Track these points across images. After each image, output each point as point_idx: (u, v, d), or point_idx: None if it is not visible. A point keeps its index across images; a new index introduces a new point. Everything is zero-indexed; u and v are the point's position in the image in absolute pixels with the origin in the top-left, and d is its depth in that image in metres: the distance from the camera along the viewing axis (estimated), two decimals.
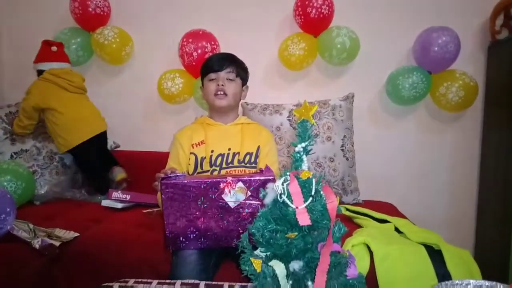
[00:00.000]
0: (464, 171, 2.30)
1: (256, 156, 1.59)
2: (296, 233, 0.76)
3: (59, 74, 2.15)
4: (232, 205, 1.20)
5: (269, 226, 0.79)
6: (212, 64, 1.59)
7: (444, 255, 1.37)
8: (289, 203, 0.76)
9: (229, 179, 1.19)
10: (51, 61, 2.18)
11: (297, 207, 0.76)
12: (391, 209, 2.03)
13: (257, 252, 0.82)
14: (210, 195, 1.20)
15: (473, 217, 2.31)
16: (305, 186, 0.78)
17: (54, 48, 2.19)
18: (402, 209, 2.06)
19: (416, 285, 1.32)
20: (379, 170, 2.34)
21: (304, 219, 0.73)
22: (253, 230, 0.80)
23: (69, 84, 2.16)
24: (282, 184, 0.78)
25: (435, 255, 1.39)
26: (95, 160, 2.22)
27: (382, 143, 2.35)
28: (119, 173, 2.22)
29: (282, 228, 0.78)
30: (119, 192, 2.00)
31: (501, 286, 0.90)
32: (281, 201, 0.78)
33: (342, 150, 2.10)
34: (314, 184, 0.78)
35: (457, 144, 2.29)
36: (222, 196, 1.19)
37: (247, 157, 1.58)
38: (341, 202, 2.07)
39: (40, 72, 2.18)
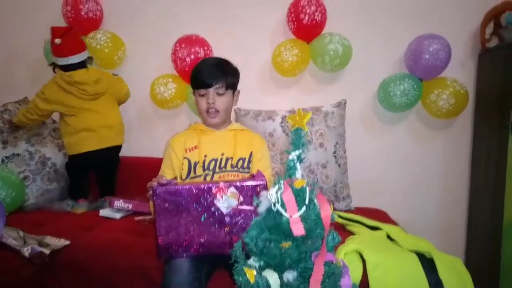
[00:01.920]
0: (455, 178, 2.32)
1: (249, 162, 1.59)
2: (290, 243, 0.76)
3: (71, 82, 2.05)
4: (224, 210, 1.19)
5: (263, 235, 0.79)
6: (200, 79, 1.55)
7: (436, 264, 1.38)
8: (283, 212, 0.76)
9: (221, 184, 1.19)
10: (57, 56, 2.06)
11: (291, 216, 0.75)
12: (383, 216, 2.03)
13: (250, 261, 0.81)
14: (202, 201, 1.19)
15: (463, 224, 2.33)
16: (299, 194, 0.78)
17: (57, 41, 2.01)
18: (394, 215, 2.07)
19: None
20: (371, 177, 2.35)
21: (298, 229, 0.73)
22: (246, 239, 0.80)
23: (81, 93, 2.08)
24: (276, 193, 0.78)
25: (427, 263, 1.40)
26: (86, 172, 2.19)
27: (374, 149, 2.36)
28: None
29: (276, 237, 0.78)
30: (121, 201, 1.95)
31: None
32: (275, 210, 0.78)
33: (335, 156, 2.10)
34: (308, 193, 0.78)
35: (448, 151, 2.31)
36: (214, 201, 1.19)
37: (240, 162, 1.58)
38: (333, 209, 2.07)
39: (53, 64, 2.10)
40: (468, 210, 2.31)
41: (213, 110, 1.55)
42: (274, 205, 0.77)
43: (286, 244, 0.76)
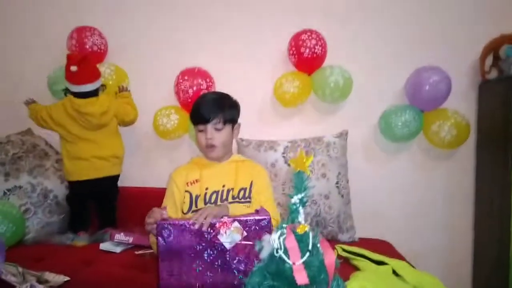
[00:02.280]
0: (459, 208, 2.30)
1: (250, 191, 1.59)
2: None
3: (79, 110, 2.07)
4: (227, 246, 1.18)
5: (265, 282, 0.77)
6: (198, 115, 1.57)
7: None
8: (285, 258, 0.75)
9: (225, 218, 1.18)
10: (71, 83, 2.08)
11: (294, 263, 0.74)
12: (387, 248, 2.00)
13: None
14: (206, 236, 1.18)
15: (469, 254, 2.29)
16: (302, 240, 0.77)
17: (73, 69, 2.03)
18: (398, 246, 2.04)
19: None
20: (374, 207, 2.33)
21: (301, 278, 0.71)
22: (248, 286, 0.78)
23: (86, 124, 2.11)
24: (279, 238, 0.77)
25: None
26: (85, 202, 2.19)
27: (377, 179, 2.35)
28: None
29: (278, 284, 0.77)
30: (122, 234, 1.94)
31: None
32: (277, 256, 0.76)
33: (337, 187, 2.09)
34: (311, 238, 0.77)
35: (451, 181, 2.30)
36: (218, 236, 1.18)
37: (241, 193, 1.57)
38: (336, 241, 2.04)
39: (65, 89, 2.12)
40: (474, 239, 2.27)
41: (211, 145, 1.56)
42: (277, 251, 0.76)
43: None
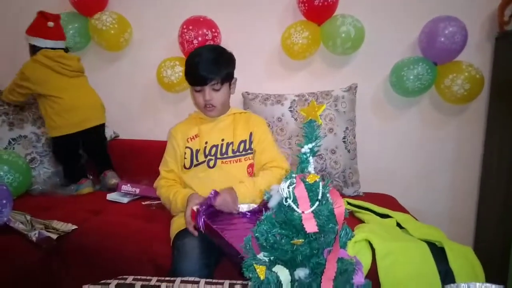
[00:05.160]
0: (467, 165, 2.27)
1: (250, 143, 1.62)
2: (302, 240, 0.73)
3: (54, 58, 2.05)
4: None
5: (274, 230, 0.77)
6: (195, 77, 1.54)
7: (447, 253, 1.36)
8: (295, 207, 0.73)
9: None
10: (47, 39, 2.07)
11: (303, 212, 0.73)
12: (392, 202, 2.01)
13: (260, 256, 0.79)
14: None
15: (473, 212, 2.29)
16: (311, 189, 0.75)
17: (50, 24, 2.06)
18: (403, 202, 2.04)
19: (418, 282, 1.31)
20: (380, 163, 2.31)
21: (311, 226, 0.70)
22: (256, 234, 0.78)
23: (65, 69, 2.08)
24: (288, 188, 0.75)
25: (438, 252, 1.38)
26: (74, 152, 2.15)
27: (385, 135, 2.31)
28: (112, 179, 2.13)
29: (287, 232, 0.76)
30: (129, 185, 1.95)
31: None
32: (286, 205, 0.75)
33: (344, 142, 2.07)
34: (321, 188, 0.75)
35: (460, 137, 2.26)
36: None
37: (242, 145, 1.60)
38: (341, 195, 2.04)
39: (33, 47, 2.09)
40: (479, 198, 2.27)
41: (210, 105, 1.56)
42: (286, 200, 0.74)
43: (298, 241, 0.73)
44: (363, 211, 1.75)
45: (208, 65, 1.53)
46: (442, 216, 2.30)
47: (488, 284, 0.91)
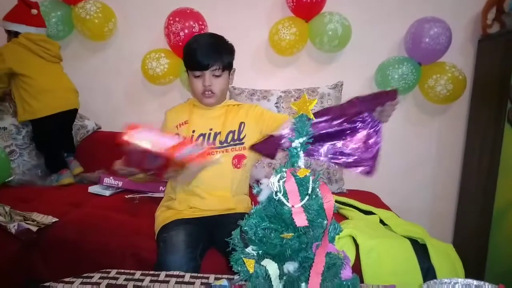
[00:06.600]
0: (448, 164, 2.32)
1: (240, 133, 1.56)
2: (292, 234, 0.73)
3: (35, 41, 2.05)
4: None
5: (263, 224, 0.76)
6: (196, 61, 1.48)
7: (429, 250, 1.38)
8: (285, 201, 0.73)
9: None
10: (29, 25, 2.06)
11: (293, 206, 0.72)
12: (375, 200, 2.04)
13: (248, 249, 0.79)
14: None
15: (453, 210, 2.35)
16: (302, 184, 0.75)
17: (34, 12, 2.07)
18: (385, 199, 2.07)
19: (400, 278, 1.33)
20: None
21: (301, 220, 0.70)
22: (245, 228, 0.77)
23: (45, 53, 2.07)
24: (278, 182, 0.75)
25: (420, 249, 1.41)
26: (55, 136, 2.11)
27: None
28: (76, 168, 2.15)
29: (276, 226, 0.76)
30: (111, 178, 1.92)
31: (489, 286, 0.90)
32: (276, 199, 0.75)
33: None
34: (311, 182, 0.75)
35: (442, 136, 2.31)
36: None
37: (230, 136, 1.56)
38: None
39: (12, 33, 2.07)
40: (458, 197, 2.32)
41: (209, 92, 1.51)
42: (276, 194, 0.74)
43: (288, 235, 0.73)
44: (347, 207, 1.77)
45: (210, 49, 1.49)
46: (422, 213, 2.35)
47: (469, 280, 0.93)
